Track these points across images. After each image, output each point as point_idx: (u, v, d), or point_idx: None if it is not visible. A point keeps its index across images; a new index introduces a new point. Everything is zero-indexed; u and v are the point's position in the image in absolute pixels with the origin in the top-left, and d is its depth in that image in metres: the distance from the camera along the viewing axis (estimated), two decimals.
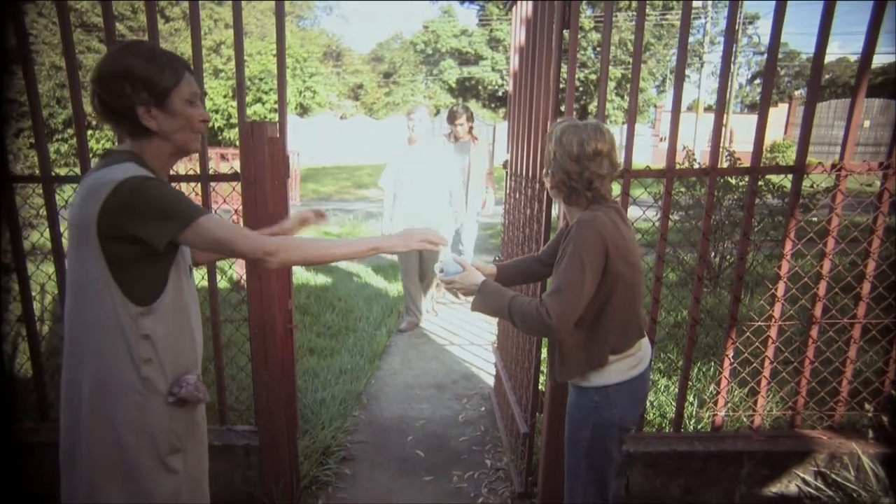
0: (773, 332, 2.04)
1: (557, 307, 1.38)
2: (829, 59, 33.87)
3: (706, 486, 2.08)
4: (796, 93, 30.18)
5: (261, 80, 20.16)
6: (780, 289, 2.01)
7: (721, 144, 2.02)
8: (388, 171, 4.18)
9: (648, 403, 2.70)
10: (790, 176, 1.97)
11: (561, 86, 1.90)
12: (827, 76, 34.09)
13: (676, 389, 2.26)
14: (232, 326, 3.05)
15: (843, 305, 2.06)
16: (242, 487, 2.19)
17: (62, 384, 1.26)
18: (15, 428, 2.19)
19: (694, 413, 2.55)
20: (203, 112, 1.26)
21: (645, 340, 1.58)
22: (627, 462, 2.08)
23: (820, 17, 1.82)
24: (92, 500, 1.24)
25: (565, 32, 1.87)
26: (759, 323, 2.08)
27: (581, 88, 25.49)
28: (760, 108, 1.92)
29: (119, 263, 1.16)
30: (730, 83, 23.71)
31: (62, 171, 2.09)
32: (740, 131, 19.06)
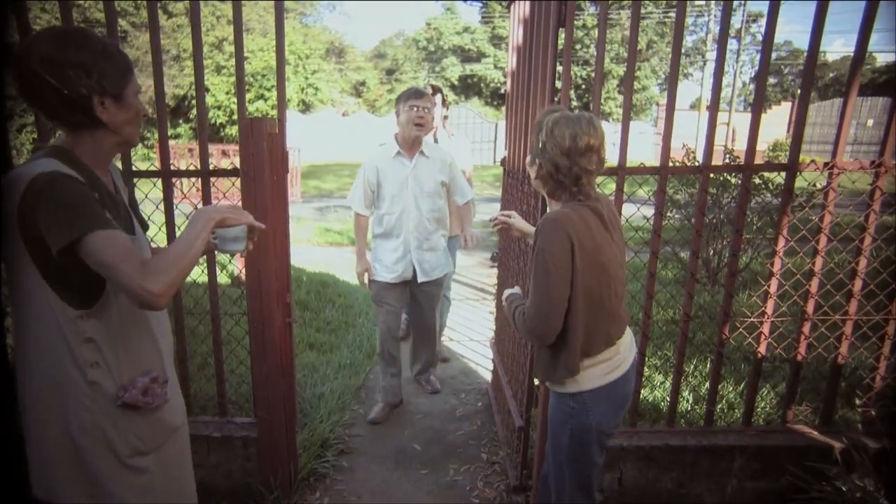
0: (765, 329, 2.07)
1: (531, 310, 1.42)
2: (833, 56, 33.90)
3: (698, 480, 2.11)
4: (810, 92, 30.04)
5: (263, 76, 20.20)
6: (773, 285, 2.03)
7: (715, 142, 2.04)
8: (361, 186, 2.80)
9: (642, 399, 2.73)
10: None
11: (557, 85, 1.93)
12: (831, 74, 34.01)
13: (670, 385, 2.29)
14: (231, 320, 3.08)
15: (834, 302, 2.08)
16: (241, 478, 2.23)
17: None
18: (16, 418, 2.23)
19: (689, 409, 2.58)
20: (144, 106, 1.25)
21: (624, 343, 1.55)
22: (621, 455, 2.11)
23: (813, 17, 1.84)
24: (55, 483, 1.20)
25: (561, 32, 1.89)
26: (752, 319, 2.11)
27: (583, 86, 25.45)
28: (753, 108, 1.94)
29: (47, 265, 1.10)
30: (733, 81, 23.68)
31: None
32: (743, 130, 19.06)
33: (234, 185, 2.04)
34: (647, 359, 3.26)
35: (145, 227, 1.41)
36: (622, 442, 2.10)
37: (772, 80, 36.52)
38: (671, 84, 1.96)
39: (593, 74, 1.95)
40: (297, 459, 2.34)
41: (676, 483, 2.12)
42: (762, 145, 19.29)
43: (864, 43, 1.84)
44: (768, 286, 2.04)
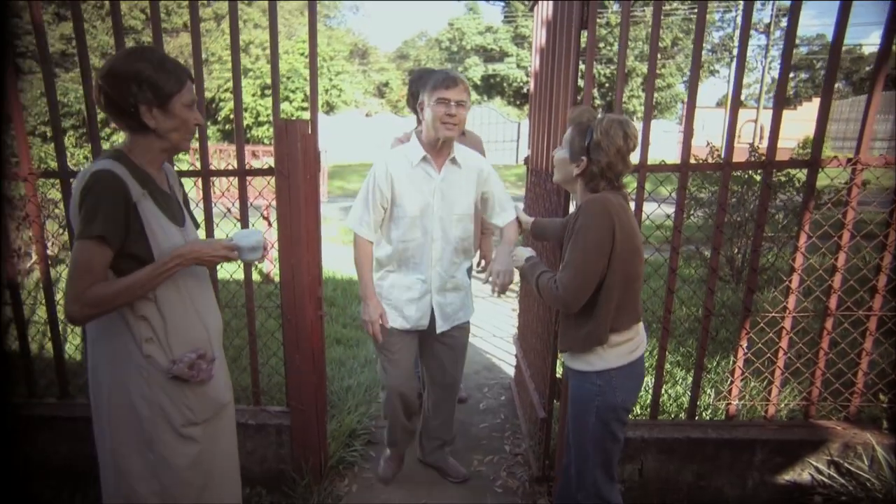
0: (787, 324, 2.08)
1: (565, 280, 1.51)
2: (870, 49, 32.85)
3: (719, 473, 2.13)
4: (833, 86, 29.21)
5: (287, 78, 20.54)
6: (795, 280, 2.05)
7: (743, 139, 2.06)
8: (370, 200, 2.04)
9: (665, 394, 2.76)
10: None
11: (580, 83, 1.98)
12: (867, 68, 32.96)
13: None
14: (265, 313, 3.21)
15: (858, 298, 2.08)
16: (274, 464, 2.33)
17: (88, 365, 1.41)
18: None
19: (710, 404, 2.60)
20: (198, 116, 1.40)
21: (641, 326, 1.66)
22: (642, 447, 2.14)
23: (836, 16, 1.85)
24: (118, 468, 1.38)
25: (584, 32, 1.94)
26: (774, 314, 2.12)
27: (607, 85, 25.22)
28: (774, 105, 1.96)
29: None
30: (762, 77, 23.17)
31: None
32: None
33: (269, 183, 2.14)
34: (670, 355, 3.28)
35: (196, 224, 1.56)
36: (643, 434, 2.14)
37: (803, 76, 35.64)
38: (692, 83, 1.99)
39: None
40: (327, 448, 2.43)
41: (697, 475, 2.15)
42: (792, 143, 18.86)
43: (889, 38, 1.85)
44: (790, 282, 2.06)
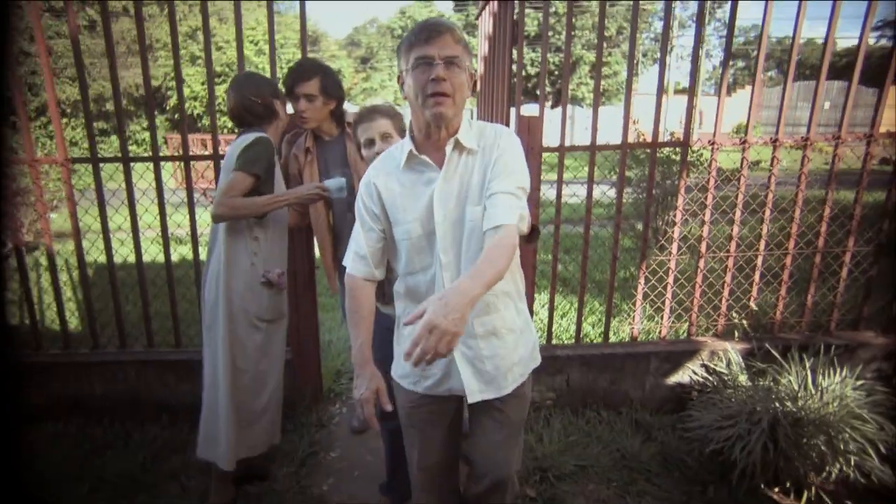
0: (672, 264, 2.79)
1: None
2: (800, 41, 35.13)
3: (625, 378, 2.83)
4: (764, 75, 31.20)
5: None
6: (675, 231, 2.75)
7: (662, 124, 2.72)
8: (360, 227, 1.48)
9: (589, 325, 3.48)
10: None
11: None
12: (797, 58, 35.29)
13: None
14: None
15: (720, 244, 2.82)
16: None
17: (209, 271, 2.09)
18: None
19: (620, 332, 3.31)
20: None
21: None
22: (568, 363, 2.82)
23: (728, 17, 2.53)
24: (211, 341, 2.06)
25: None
26: (662, 258, 2.83)
27: (556, 73, 26.15)
28: (657, 95, 2.63)
29: None
30: (701, 65, 24.60)
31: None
32: (710, 113, 19.89)
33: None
34: (599, 304, 4.00)
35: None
36: (569, 353, 2.81)
37: (741, 64, 37.90)
38: (628, 81, 2.65)
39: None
40: (321, 380, 3.00)
41: (609, 382, 2.84)
42: (727, 127, 20.29)
43: (762, 42, 2.56)
44: (672, 233, 2.76)
